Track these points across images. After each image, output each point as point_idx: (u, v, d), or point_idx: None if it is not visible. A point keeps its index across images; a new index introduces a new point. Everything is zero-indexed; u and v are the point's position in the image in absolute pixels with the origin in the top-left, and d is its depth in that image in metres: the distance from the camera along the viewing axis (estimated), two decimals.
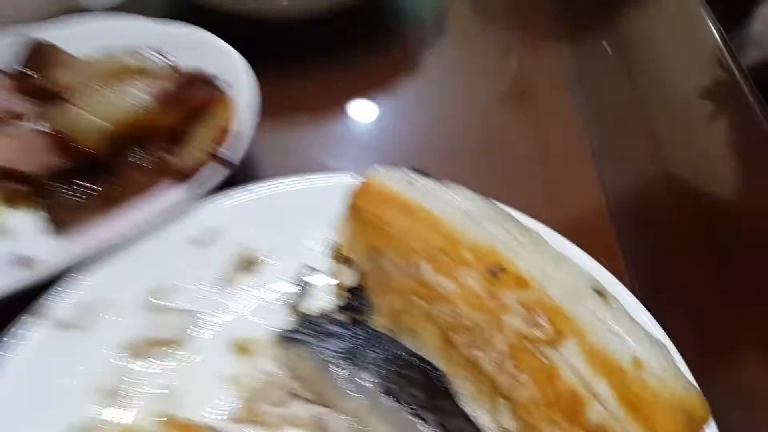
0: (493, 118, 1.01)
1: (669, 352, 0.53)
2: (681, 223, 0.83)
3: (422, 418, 0.52)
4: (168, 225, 0.70)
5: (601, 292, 0.57)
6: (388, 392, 0.54)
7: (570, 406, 0.52)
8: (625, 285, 0.64)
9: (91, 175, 0.72)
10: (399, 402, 0.53)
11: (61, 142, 0.71)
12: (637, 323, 0.55)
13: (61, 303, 0.61)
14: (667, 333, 0.60)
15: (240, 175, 0.77)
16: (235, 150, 0.74)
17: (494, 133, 0.98)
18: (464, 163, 0.90)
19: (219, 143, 0.74)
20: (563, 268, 0.59)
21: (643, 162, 0.93)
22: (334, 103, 1.00)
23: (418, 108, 1.02)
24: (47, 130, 0.72)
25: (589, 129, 0.96)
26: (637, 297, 0.63)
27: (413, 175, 0.67)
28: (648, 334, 0.54)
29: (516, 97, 1.07)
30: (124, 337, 0.62)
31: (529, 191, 0.87)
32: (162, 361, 0.62)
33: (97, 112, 0.71)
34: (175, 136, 0.76)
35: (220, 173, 0.73)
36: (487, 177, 0.85)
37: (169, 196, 0.71)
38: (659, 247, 0.79)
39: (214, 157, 0.73)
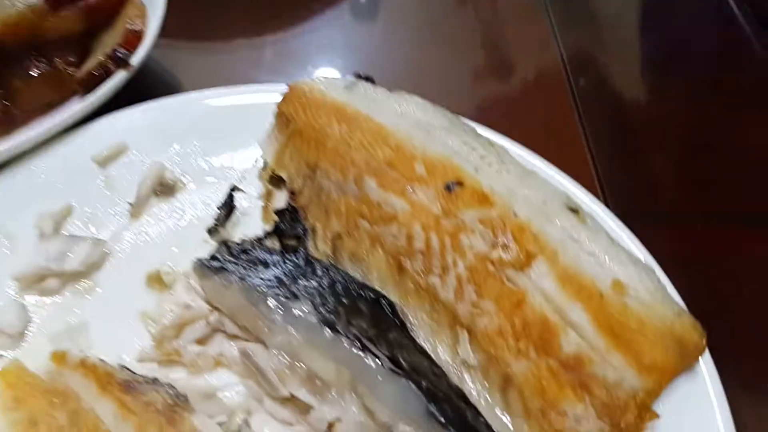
0: (448, 24, 0.93)
1: (655, 274, 0.47)
2: (656, 129, 0.76)
3: (370, 352, 0.44)
4: (68, 141, 0.62)
5: (575, 209, 0.50)
6: (327, 324, 0.45)
7: (541, 336, 0.45)
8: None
9: None
10: (341, 335, 0.45)
11: None
12: (617, 243, 0.49)
13: None
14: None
15: (157, 90, 0.69)
16: (143, 54, 0.66)
17: (450, 38, 0.90)
18: (419, 76, 0.82)
19: (126, 48, 0.66)
20: (531, 183, 0.52)
21: (614, 66, 0.87)
22: (266, 21, 0.90)
23: (362, 21, 0.94)
24: None
25: (558, 31, 0.90)
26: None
27: (354, 80, 0.59)
28: (630, 255, 0.48)
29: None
30: (18, 269, 0.54)
31: (493, 104, 0.79)
32: (64, 295, 0.55)
33: None
34: (80, 45, 0.68)
35: (124, 77, 0.65)
36: (444, 90, 0.77)
37: (69, 108, 0.63)
38: (636, 161, 0.72)
39: (120, 62, 0.64)
